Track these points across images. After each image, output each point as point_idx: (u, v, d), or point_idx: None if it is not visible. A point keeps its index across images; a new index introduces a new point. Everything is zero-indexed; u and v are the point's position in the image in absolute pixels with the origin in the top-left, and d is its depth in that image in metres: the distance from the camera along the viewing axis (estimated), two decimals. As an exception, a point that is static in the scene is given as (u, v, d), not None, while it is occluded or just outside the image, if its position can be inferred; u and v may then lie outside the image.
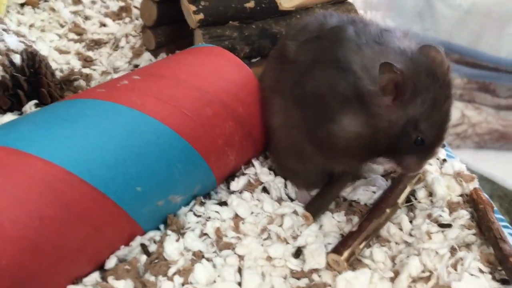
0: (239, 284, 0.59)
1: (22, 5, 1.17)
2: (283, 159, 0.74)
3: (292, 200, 0.73)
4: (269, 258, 0.63)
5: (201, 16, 0.85)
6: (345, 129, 0.61)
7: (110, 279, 0.55)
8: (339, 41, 0.62)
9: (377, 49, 0.60)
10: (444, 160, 0.79)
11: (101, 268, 0.58)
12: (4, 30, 0.97)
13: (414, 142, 0.59)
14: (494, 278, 0.60)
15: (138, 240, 0.61)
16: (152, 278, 0.58)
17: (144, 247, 0.60)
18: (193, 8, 0.85)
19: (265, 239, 0.66)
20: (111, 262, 0.57)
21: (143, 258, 0.60)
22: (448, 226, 0.66)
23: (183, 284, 0.58)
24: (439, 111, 0.59)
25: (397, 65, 0.56)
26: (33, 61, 0.87)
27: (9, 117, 0.81)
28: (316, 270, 0.63)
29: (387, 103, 0.59)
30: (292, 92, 0.66)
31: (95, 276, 0.56)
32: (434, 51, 0.61)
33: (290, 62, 0.67)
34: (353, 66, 0.60)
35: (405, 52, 0.59)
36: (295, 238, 0.66)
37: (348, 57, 0.60)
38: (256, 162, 0.76)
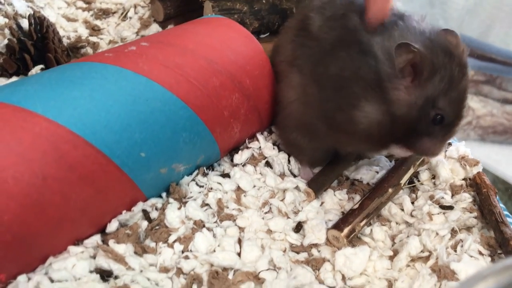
0: (238, 254, 0.59)
1: (31, -29, 1.16)
2: (290, 135, 0.73)
3: (294, 176, 0.73)
4: (269, 231, 0.64)
5: (211, -12, 0.85)
6: (367, 116, 0.60)
7: (111, 243, 0.56)
8: (365, 21, 0.61)
9: (398, 31, 0.59)
10: (449, 144, 0.79)
11: (102, 231, 0.58)
12: (12, -6, 0.97)
13: (432, 122, 0.58)
14: (493, 261, 0.60)
15: (140, 206, 0.61)
16: (152, 244, 0.58)
17: (145, 213, 0.60)
18: (204, -21, 0.84)
19: (266, 213, 0.66)
20: (112, 226, 0.57)
21: (144, 224, 0.60)
22: (450, 208, 0.66)
23: (183, 252, 0.58)
24: (456, 88, 0.58)
25: (415, 45, 0.55)
26: (41, 26, 0.86)
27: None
28: (315, 245, 0.63)
29: (405, 85, 0.58)
30: (314, 70, 0.64)
31: (96, 238, 0.56)
32: (450, 34, 0.61)
33: (313, 38, 0.65)
34: (374, 48, 0.59)
35: (424, 33, 0.59)
36: (296, 213, 0.67)
37: (372, 40, 0.59)
38: (260, 137, 0.76)
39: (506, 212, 0.72)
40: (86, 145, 0.52)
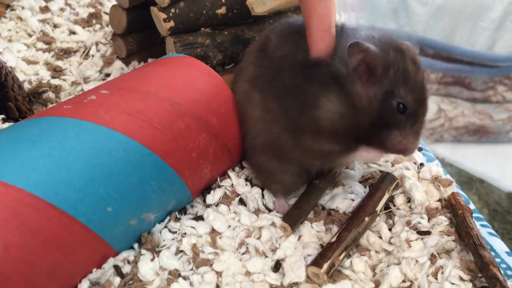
0: (217, 302, 0.58)
1: (-13, 14, 1.13)
2: (258, 159, 0.71)
3: (270, 210, 0.72)
4: (248, 273, 0.62)
5: (171, 23, 0.83)
6: (328, 110, 0.60)
7: (83, 305, 0.53)
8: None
9: (349, 36, 0.62)
10: (422, 165, 0.79)
11: (72, 293, 0.56)
12: (-33, 42, 0.94)
13: (397, 110, 0.59)
14: (475, 286, 0.59)
15: (111, 261, 0.58)
16: (127, 301, 0.56)
17: (117, 269, 0.58)
18: (164, 15, 0.83)
19: (243, 254, 0.65)
20: (83, 287, 0.55)
21: (117, 280, 0.58)
22: (427, 233, 0.65)
23: (159, 306, 0.56)
24: (413, 79, 0.60)
25: (365, 43, 0.57)
26: (-1, 74, 0.84)
27: (-26, 134, 0.78)
28: (296, 284, 0.61)
29: (362, 82, 0.59)
30: (271, 86, 0.65)
31: (66, 302, 0.54)
32: (402, 42, 0.63)
33: (269, 58, 0.67)
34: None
35: (373, 36, 0.61)
36: (274, 250, 0.65)
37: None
38: (232, 174, 0.75)
39: (483, 222, 0.72)
40: (48, 207, 0.50)
